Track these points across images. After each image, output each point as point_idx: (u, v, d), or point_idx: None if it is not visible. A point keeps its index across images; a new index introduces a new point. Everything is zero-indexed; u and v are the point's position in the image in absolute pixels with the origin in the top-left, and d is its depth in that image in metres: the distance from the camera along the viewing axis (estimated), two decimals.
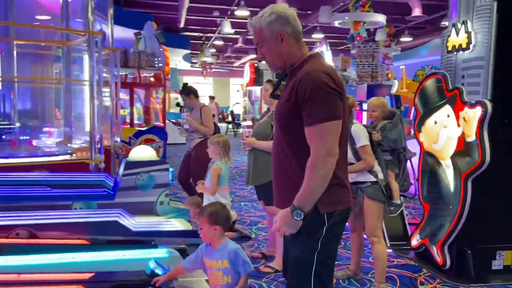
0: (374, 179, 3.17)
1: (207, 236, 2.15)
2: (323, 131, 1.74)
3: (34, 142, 5.29)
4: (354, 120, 3.32)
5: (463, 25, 3.58)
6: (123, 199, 3.46)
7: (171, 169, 3.75)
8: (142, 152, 3.72)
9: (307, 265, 1.84)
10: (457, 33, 3.65)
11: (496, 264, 3.61)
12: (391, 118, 3.54)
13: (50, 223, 2.74)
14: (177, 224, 3.28)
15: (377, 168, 3.19)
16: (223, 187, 3.62)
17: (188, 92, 5.35)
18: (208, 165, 3.84)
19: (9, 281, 2.05)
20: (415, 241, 4.01)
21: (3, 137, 5.36)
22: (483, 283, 3.51)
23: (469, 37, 3.53)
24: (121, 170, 3.59)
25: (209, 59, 20.70)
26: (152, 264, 2.32)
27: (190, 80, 30.22)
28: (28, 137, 5.06)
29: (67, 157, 4.85)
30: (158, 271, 2.27)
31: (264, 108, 7.35)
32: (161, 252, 2.69)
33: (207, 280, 2.37)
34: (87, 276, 2.19)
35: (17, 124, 5.80)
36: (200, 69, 23.14)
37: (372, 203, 3.17)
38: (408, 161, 3.55)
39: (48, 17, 6.93)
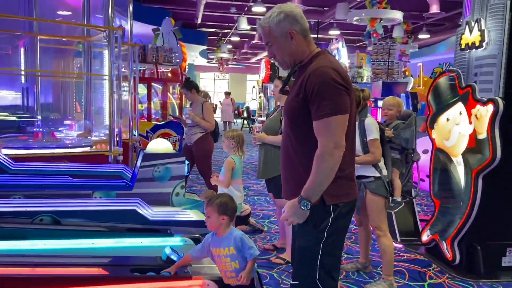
0: (378, 175, 3.22)
1: (214, 225, 2.24)
2: (330, 125, 1.80)
3: (56, 134, 5.47)
4: (368, 114, 3.38)
5: (476, 23, 3.61)
6: (141, 189, 3.60)
7: (186, 162, 3.87)
8: (159, 145, 3.86)
9: (313, 254, 1.91)
10: (471, 31, 3.68)
11: (506, 261, 3.63)
12: (405, 119, 3.60)
13: (72, 210, 2.88)
14: (192, 215, 3.40)
15: (381, 164, 3.25)
16: (236, 180, 3.72)
17: (190, 86, 5.39)
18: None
19: (33, 263, 2.19)
20: (425, 237, 4.06)
21: (28, 128, 5.56)
22: (493, 279, 3.53)
23: (482, 35, 3.55)
24: (139, 162, 3.73)
25: (225, 55, 20.83)
26: (168, 251, 2.43)
27: (207, 76, 30.50)
28: (50, 129, 5.24)
29: (87, 149, 5.02)
30: (173, 257, 2.38)
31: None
32: (176, 240, 2.81)
33: None
34: (106, 260, 2.32)
35: (39, 117, 6.00)
36: (216, 65, 23.29)
37: (375, 198, 3.23)
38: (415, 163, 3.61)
39: (69, 13, 7.12)
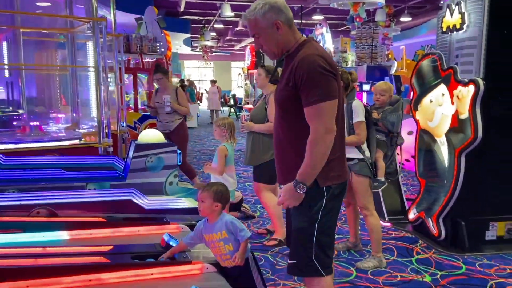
0: (361, 156, 3.33)
1: (206, 211, 2.29)
2: (321, 110, 1.89)
3: (43, 128, 5.46)
4: (355, 97, 3.47)
5: (457, 6, 3.70)
6: (134, 180, 3.66)
7: (178, 151, 3.93)
8: (151, 135, 3.90)
9: (309, 234, 2.01)
10: (451, 14, 3.77)
11: (489, 235, 3.79)
12: (393, 104, 3.71)
13: (68, 202, 2.94)
14: (186, 203, 3.47)
15: (364, 146, 3.35)
16: (229, 167, 3.79)
17: (166, 72, 5.43)
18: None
19: (35, 254, 2.24)
20: (412, 215, 4.21)
21: (14, 123, 5.53)
22: (477, 252, 3.70)
23: (462, 18, 3.65)
24: (131, 153, 3.78)
25: (209, 43, 20.68)
26: (166, 237, 2.50)
27: (191, 65, 30.26)
28: (37, 123, 5.22)
29: (76, 141, 5.03)
30: (172, 243, 2.45)
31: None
32: (172, 228, 2.88)
33: None
34: (107, 248, 2.38)
35: (20, 111, 5.96)
36: (200, 53, 23.12)
37: (360, 179, 3.34)
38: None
39: (49, 4, 7.01)
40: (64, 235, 2.65)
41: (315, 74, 1.88)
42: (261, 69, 3.91)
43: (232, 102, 19.28)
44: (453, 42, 3.85)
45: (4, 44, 6.30)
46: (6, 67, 6.26)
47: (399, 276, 3.28)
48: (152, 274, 2.22)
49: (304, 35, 2.12)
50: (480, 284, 3.17)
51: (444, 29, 3.88)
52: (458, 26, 3.70)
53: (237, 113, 18.44)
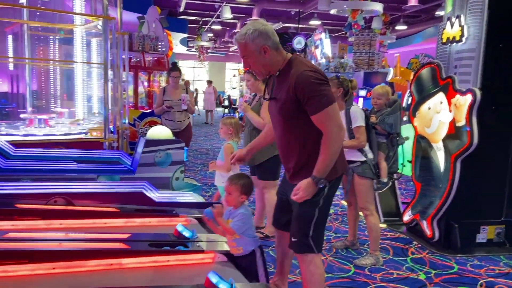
0: (364, 159, 3.48)
1: (233, 202, 2.46)
2: (329, 113, 2.19)
3: (49, 122, 5.54)
4: (354, 103, 3.63)
5: (457, 19, 3.89)
6: (143, 174, 3.78)
7: (185, 148, 4.06)
8: (160, 131, 4.03)
9: (310, 217, 2.36)
10: (452, 26, 3.96)
11: (480, 238, 3.98)
12: (391, 106, 3.87)
13: (84, 192, 3.04)
14: (193, 197, 3.60)
15: (367, 148, 3.51)
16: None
17: (180, 71, 5.60)
18: None
19: (59, 238, 2.36)
20: (407, 217, 4.38)
21: (21, 116, 5.60)
22: (468, 254, 3.88)
23: (462, 30, 3.84)
24: (140, 148, 3.89)
25: (206, 43, 20.77)
26: (179, 228, 2.63)
27: (186, 64, 30.30)
28: (44, 116, 5.30)
29: (82, 136, 5.12)
30: (186, 233, 2.58)
31: None
32: (181, 220, 3.01)
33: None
34: (125, 236, 2.50)
35: (29, 104, 6.03)
36: (196, 53, 23.20)
37: (362, 181, 3.50)
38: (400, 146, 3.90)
39: None
40: (80, 223, 2.76)
41: (315, 87, 2.18)
42: (248, 75, 4.03)
43: (226, 103, 19.39)
44: (452, 53, 4.04)
45: (10, 37, 6.37)
46: (11, 60, 6.31)
47: (395, 274, 3.45)
48: (168, 261, 2.35)
49: (288, 53, 2.38)
50: (471, 282, 3.35)
51: (444, 40, 4.07)
52: (457, 38, 3.90)
53: (231, 115, 18.56)
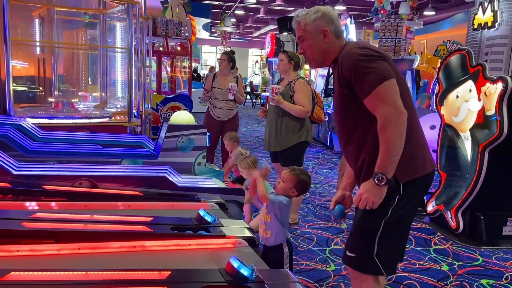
0: None
1: (282, 190, 2.43)
2: (380, 94, 1.79)
3: (75, 105, 5.64)
4: None
5: (489, 4, 3.75)
6: (165, 158, 3.82)
7: (208, 134, 4.07)
8: (183, 116, 4.05)
9: (373, 229, 1.89)
10: (484, 12, 3.82)
11: (507, 230, 3.88)
12: None
13: (108, 175, 3.09)
14: (215, 183, 3.61)
15: None
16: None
17: (229, 55, 5.27)
18: None
19: (84, 220, 2.41)
20: (430, 207, 4.31)
21: (48, 99, 5.72)
22: (494, 246, 3.79)
23: (494, 16, 3.70)
24: (163, 133, 3.92)
25: (229, 29, 20.67)
26: (202, 212, 2.65)
27: (209, 50, 30.32)
28: (70, 100, 5.40)
29: (107, 119, 5.20)
30: (207, 218, 2.60)
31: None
32: (203, 205, 3.03)
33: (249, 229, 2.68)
34: (148, 219, 2.53)
35: (55, 90, 6.14)
36: (218, 38, 23.14)
37: None
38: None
39: None
40: (104, 205, 2.82)
41: (358, 64, 1.84)
42: (283, 55, 3.98)
43: (248, 89, 19.34)
44: (483, 40, 3.91)
45: (37, 21, 6.47)
46: (38, 44, 6.43)
47: (417, 264, 3.40)
48: (190, 245, 2.37)
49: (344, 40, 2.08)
50: (496, 275, 3.28)
51: (475, 26, 3.94)
52: (489, 24, 3.76)
53: (253, 101, 18.51)
